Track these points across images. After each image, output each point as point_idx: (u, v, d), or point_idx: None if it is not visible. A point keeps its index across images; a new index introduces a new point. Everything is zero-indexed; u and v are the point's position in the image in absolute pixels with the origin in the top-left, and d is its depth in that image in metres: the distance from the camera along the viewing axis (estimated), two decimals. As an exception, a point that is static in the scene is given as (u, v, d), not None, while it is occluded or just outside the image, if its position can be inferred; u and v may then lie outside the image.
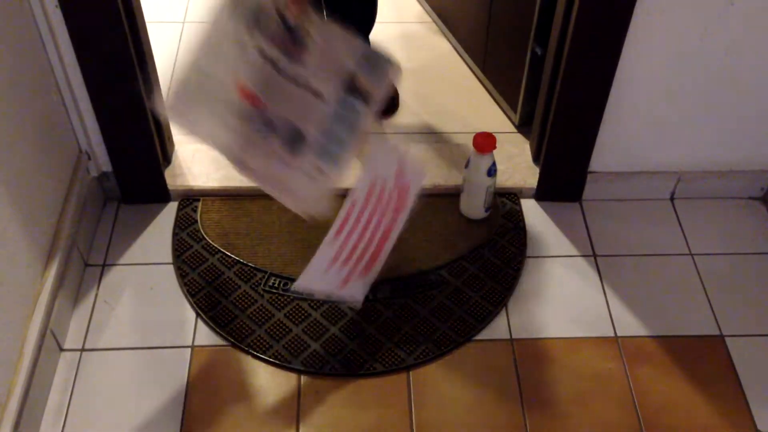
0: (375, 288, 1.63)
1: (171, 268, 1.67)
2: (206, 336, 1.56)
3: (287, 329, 1.57)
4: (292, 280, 1.61)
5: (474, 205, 1.76)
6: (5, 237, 1.30)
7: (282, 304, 1.61)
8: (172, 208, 1.79)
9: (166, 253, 1.70)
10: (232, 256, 1.69)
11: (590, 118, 1.66)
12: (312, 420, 1.44)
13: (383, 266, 1.64)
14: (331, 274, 1.49)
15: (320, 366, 1.51)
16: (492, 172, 1.68)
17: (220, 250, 1.70)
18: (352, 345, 1.55)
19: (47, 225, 1.49)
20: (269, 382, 1.49)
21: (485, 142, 1.65)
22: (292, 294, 1.60)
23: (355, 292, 1.53)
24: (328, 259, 1.48)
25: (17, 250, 1.35)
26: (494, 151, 1.66)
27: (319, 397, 1.47)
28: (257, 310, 1.59)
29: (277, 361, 1.52)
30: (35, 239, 1.42)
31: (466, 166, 1.71)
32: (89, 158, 1.67)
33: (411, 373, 1.52)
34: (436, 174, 1.85)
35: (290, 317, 1.59)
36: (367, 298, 1.61)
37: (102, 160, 1.69)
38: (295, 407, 1.45)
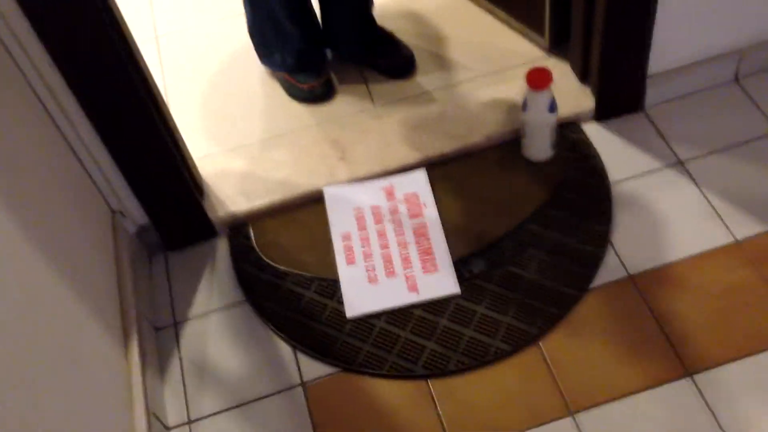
0: (468, 264, 1.50)
1: (245, 306, 1.52)
2: (312, 368, 1.42)
3: (395, 336, 1.43)
4: (382, 282, 1.50)
5: (539, 147, 1.62)
6: (84, 330, 1.14)
7: (378, 312, 1.47)
8: (222, 242, 1.62)
9: (234, 291, 1.54)
10: (305, 274, 1.54)
11: (643, 16, 1.51)
12: (459, 423, 1.32)
13: (468, 240, 1.51)
14: (384, 290, 1.48)
15: (444, 364, 1.39)
16: (553, 107, 1.54)
17: (290, 272, 1.55)
18: (468, 332, 1.42)
19: (110, 302, 1.33)
20: (398, 397, 1.37)
21: (541, 77, 1.50)
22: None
23: (438, 286, 1.46)
24: (362, 281, 1.49)
25: (96, 339, 1.19)
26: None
27: (457, 398, 1.35)
28: (355, 326, 1.46)
29: (398, 373, 1.39)
30: (107, 321, 1.26)
31: (524, 108, 1.56)
32: (123, 216, 1.50)
33: (541, 343, 1.39)
34: (482, 125, 1.70)
35: (393, 323, 1.45)
36: (463, 278, 1.48)
37: (136, 214, 1.52)
38: (436, 416, 1.33)
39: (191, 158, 1.62)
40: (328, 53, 1.91)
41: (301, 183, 1.66)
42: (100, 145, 1.34)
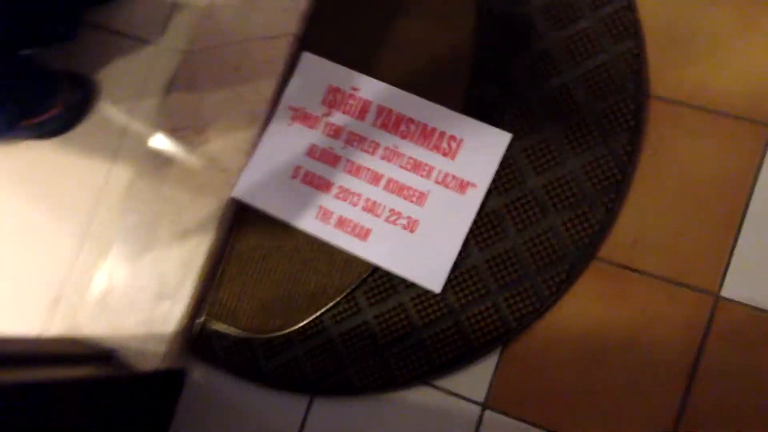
0: (480, 101, 1.03)
1: (321, 402, 0.99)
2: (469, 385, 0.94)
3: (510, 257, 0.97)
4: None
5: None
6: None
7: (461, 251, 0.97)
8: (203, 368, 1.02)
9: (286, 404, 0.99)
10: (337, 298, 1.00)
11: None
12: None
13: (446, 76, 1.04)
14: (437, 220, 0.98)
15: (590, 223, 0.95)
16: None
17: (316, 318, 1.00)
18: (574, 164, 0.97)
19: None
20: (590, 302, 0.94)
21: None
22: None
23: (485, 155, 0.99)
24: (400, 239, 0.99)
25: None
26: None
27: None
28: (460, 291, 0.97)
29: (565, 281, 0.94)
30: None
31: None
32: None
33: (653, 101, 0.97)
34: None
35: (487, 244, 0.98)
36: (495, 120, 1.00)
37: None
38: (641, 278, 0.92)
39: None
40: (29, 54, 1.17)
41: (192, 217, 1.05)
42: None
